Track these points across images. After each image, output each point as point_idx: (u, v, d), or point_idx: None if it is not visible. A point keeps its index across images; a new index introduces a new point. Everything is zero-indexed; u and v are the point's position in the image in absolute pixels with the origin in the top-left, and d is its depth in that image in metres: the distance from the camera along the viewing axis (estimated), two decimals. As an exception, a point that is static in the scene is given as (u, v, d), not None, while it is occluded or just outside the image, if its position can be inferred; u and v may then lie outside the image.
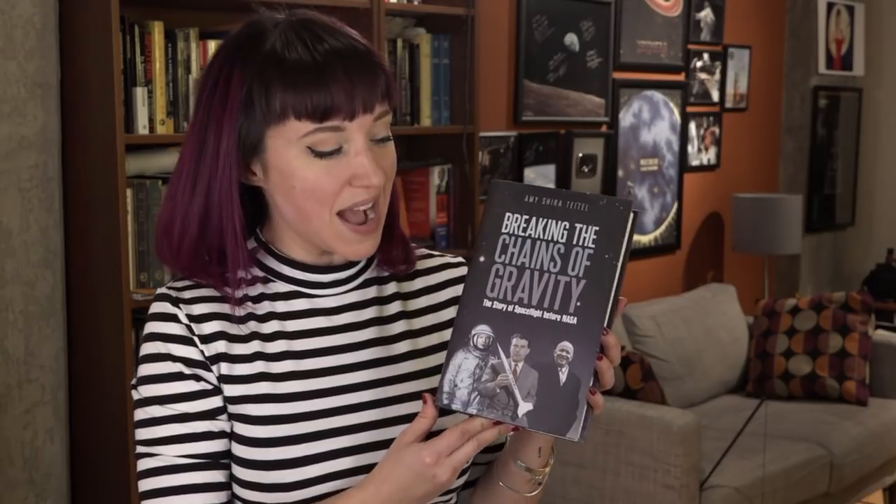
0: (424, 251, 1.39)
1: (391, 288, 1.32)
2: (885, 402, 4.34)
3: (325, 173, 1.18)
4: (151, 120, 2.83)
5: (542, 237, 1.13)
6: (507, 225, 1.14)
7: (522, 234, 1.13)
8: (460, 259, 1.40)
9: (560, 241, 1.12)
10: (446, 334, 1.28)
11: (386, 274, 1.32)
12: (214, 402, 1.22)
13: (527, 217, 1.13)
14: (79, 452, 2.97)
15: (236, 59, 1.20)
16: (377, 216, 1.22)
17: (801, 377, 4.36)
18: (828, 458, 3.86)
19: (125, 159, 2.73)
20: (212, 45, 2.93)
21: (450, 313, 1.32)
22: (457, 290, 1.34)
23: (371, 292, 1.31)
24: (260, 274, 1.27)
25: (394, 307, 1.32)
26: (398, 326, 1.31)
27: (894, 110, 6.24)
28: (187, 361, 1.21)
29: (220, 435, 1.22)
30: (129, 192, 2.76)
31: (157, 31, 2.82)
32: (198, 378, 1.21)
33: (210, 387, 1.22)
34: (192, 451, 1.21)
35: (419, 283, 1.35)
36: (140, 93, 2.79)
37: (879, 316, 5.24)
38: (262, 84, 1.18)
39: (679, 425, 3.27)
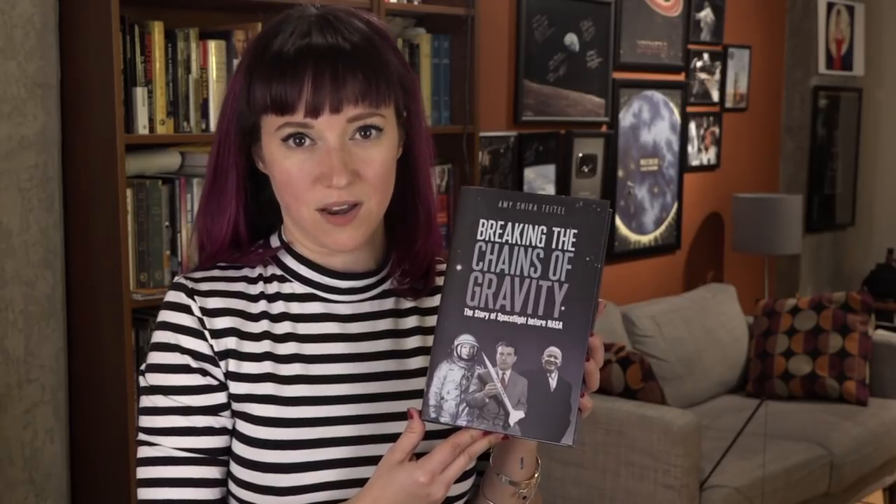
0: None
1: (409, 302, 1.31)
2: (885, 402, 4.34)
3: (297, 168, 1.18)
4: (151, 120, 2.83)
5: (519, 242, 1.12)
6: (482, 232, 1.12)
7: (499, 241, 1.12)
8: None
9: (539, 245, 1.11)
10: None
11: (406, 287, 1.30)
12: (218, 397, 1.22)
13: (502, 223, 1.12)
14: (79, 452, 2.97)
15: (249, 48, 1.23)
16: (356, 212, 1.19)
17: (801, 377, 4.36)
18: (828, 458, 3.86)
19: (125, 159, 2.73)
20: (212, 45, 2.94)
21: None
22: None
23: (388, 304, 1.29)
24: (278, 272, 1.27)
25: (410, 321, 1.30)
26: (413, 341, 1.29)
27: (894, 110, 6.24)
28: (195, 355, 1.21)
29: (221, 431, 1.22)
30: (129, 192, 2.76)
31: (157, 31, 2.82)
32: (204, 372, 1.21)
33: (216, 382, 1.22)
34: (191, 444, 1.21)
35: (438, 299, 1.31)
36: (140, 93, 2.79)
37: (879, 316, 5.24)
38: (249, 75, 1.20)
39: (679, 425, 3.27)
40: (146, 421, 1.22)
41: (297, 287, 1.27)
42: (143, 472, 1.21)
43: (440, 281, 1.32)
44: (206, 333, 1.22)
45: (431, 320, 1.30)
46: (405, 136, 1.27)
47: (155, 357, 1.23)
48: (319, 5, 1.23)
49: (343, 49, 1.17)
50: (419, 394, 1.23)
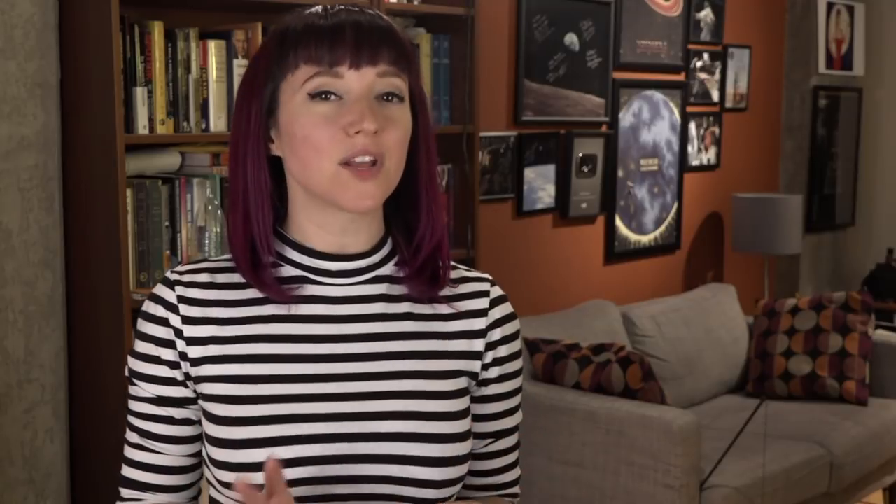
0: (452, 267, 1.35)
1: (402, 288, 1.31)
2: (885, 402, 4.34)
3: (322, 120, 1.20)
4: (151, 120, 2.83)
5: None
6: None
7: None
8: (483, 275, 1.38)
9: None
10: (450, 344, 1.31)
11: (401, 275, 1.30)
12: (180, 391, 1.28)
13: None
14: (79, 452, 2.97)
15: (272, 36, 1.27)
16: (380, 166, 1.21)
17: (801, 377, 4.36)
18: (828, 458, 3.86)
19: (125, 159, 2.73)
20: (212, 45, 2.94)
21: (456, 325, 1.32)
22: (475, 304, 1.33)
23: (381, 288, 1.30)
24: (271, 259, 1.28)
25: (403, 307, 1.30)
26: (404, 325, 1.29)
27: (894, 110, 6.23)
28: (158, 341, 1.27)
29: (181, 422, 1.29)
30: (129, 192, 2.76)
31: (157, 31, 2.82)
32: (160, 360, 1.27)
33: (178, 375, 1.27)
34: (153, 430, 1.29)
35: (440, 307, 1.33)
36: (140, 93, 2.79)
37: (879, 316, 5.24)
38: (281, 44, 1.23)
39: (679, 425, 3.27)
40: (129, 403, 1.33)
41: (289, 270, 1.28)
42: (124, 451, 1.35)
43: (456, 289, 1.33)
44: (179, 319, 1.26)
45: (425, 308, 1.31)
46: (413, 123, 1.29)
47: (135, 344, 1.31)
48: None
49: (376, 22, 1.23)
50: (402, 375, 1.26)
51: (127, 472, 1.34)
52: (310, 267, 1.28)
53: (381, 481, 1.22)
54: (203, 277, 1.28)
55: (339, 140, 1.20)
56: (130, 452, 1.33)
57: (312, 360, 1.25)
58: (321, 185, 1.22)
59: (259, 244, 1.26)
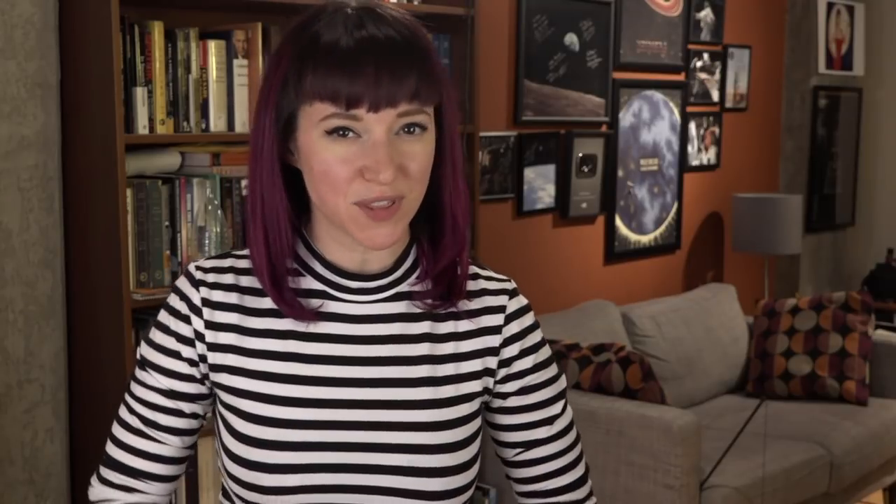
0: (471, 270, 1.32)
1: (422, 305, 1.28)
2: (885, 402, 4.34)
3: (339, 160, 1.16)
4: (151, 120, 2.83)
5: None
6: None
7: None
8: (504, 286, 1.34)
9: None
10: (464, 366, 1.28)
11: (420, 289, 1.27)
12: (196, 387, 1.27)
13: None
14: (79, 452, 2.97)
15: (292, 39, 1.20)
16: (398, 206, 1.18)
17: (801, 377, 4.36)
18: (828, 458, 3.86)
19: (125, 159, 2.73)
20: (212, 45, 2.94)
21: (471, 344, 1.29)
22: (490, 321, 1.30)
23: (400, 307, 1.27)
24: (293, 266, 1.25)
25: (422, 327, 1.27)
26: (421, 348, 1.26)
27: (894, 110, 6.24)
28: (180, 338, 1.26)
29: (190, 415, 1.29)
30: (129, 192, 2.76)
31: (157, 31, 2.82)
32: (180, 356, 1.26)
33: (195, 373, 1.27)
34: (159, 420, 1.28)
35: (458, 325, 1.30)
36: (140, 93, 2.79)
37: (879, 316, 5.24)
38: (298, 63, 1.17)
39: (679, 425, 3.27)
40: (131, 385, 1.30)
41: (311, 283, 1.25)
42: (112, 429, 1.31)
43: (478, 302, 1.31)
44: (202, 323, 1.25)
45: (443, 327, 1.28)
46: (438, 132, 1.25)
47: (152, 333, 1.30)
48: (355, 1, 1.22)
49: (399, 43, 1.17)
50: (420, 404, 1.24)
51: (119, 455, 1.29)
52: (331, 282, 1.25)
53: None
54: (228, 279, 1.26)
55: (356, 182, 1.16)
56: (126, 437, 1.29)
57: (326, 384, 1.22)
58: (338, 220, 1.19)
59: (276, 260, 1.23)
